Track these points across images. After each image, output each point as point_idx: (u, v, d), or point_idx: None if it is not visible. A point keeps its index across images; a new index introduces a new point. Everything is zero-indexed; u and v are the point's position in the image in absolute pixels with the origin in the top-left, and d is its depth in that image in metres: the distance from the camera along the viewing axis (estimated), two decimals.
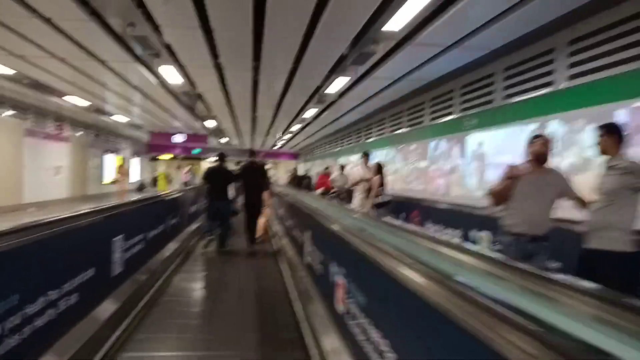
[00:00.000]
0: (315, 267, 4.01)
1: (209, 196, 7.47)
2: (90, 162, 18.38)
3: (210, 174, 7.55)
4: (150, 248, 5.28)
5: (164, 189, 22.36)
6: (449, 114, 8.57)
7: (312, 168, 24.70)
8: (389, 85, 9.11)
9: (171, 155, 37.16)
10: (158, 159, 38.52)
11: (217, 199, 7.28)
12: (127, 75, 9.17)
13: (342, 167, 12.11)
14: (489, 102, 7.22)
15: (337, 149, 19.00)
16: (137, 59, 7.81)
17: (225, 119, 15.35)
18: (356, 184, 8.13)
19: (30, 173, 13.27)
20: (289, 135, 20.48)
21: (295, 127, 17.20)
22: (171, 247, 6.66)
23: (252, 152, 8.18)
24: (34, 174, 13.50)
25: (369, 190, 7.72)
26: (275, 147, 28.32)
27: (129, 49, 7.32)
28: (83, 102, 12.69)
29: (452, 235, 6.39)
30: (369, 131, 14.02)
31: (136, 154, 25.22)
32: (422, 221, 7.65)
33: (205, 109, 13.28)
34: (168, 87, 10.18)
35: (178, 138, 18.21)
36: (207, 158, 37.96)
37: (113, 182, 13.68)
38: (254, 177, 7.44)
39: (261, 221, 7.16)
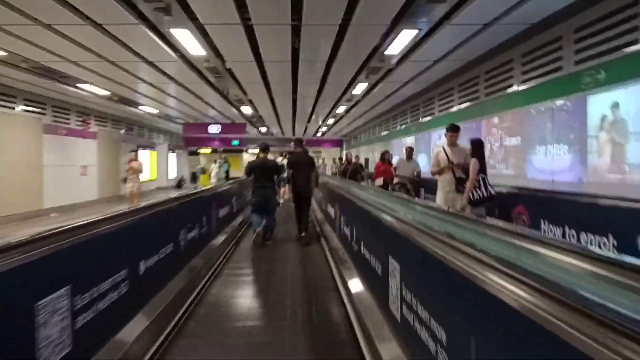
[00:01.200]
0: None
1: (253, 189, 7.20)
2: (122, 159, 17.15)
3: (253, 167, 7.15)
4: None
5: (205, 184, 21.62)
6: (556, 70, 6.29)
7: (358, 155, 22.66)
8: (472, 35, 6.90)
9: (210, 149, 36.29)
10: (199, 153, 37.87)
11: (261, 192, 7.03)
12: (138, 46, 7.44)
13: (410, 150, 9.59)
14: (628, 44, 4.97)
15: (386, 131, 16.85)
16: (144, 19, 6.05)
17: (262, 102, 13.54)
18: (439, 171, 5.90)
19: (52, 174, 12.00)
20: (332, 120, 18.46)
21: (341, 109, 15.15)
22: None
23: (299, 141, 7.93)
24: (56, 175, 12.24)
25: (460, 180, 5.60)
26: (318, 135, 26.41)
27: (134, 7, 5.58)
28: (102, 91, 11.22)
29: (599, 245, 4.21)
30: (430, 107, 11.78)
31: (173, 148, 24.00)
32: (531, 220, 5.45)
33: (239, 90, 11.52)
34: (190, 61, 8.42)
35: (213, 129, 16.65)
36: (248, 149, 36.86)
37: (123, 181, 12.21)
38: (303, 168, 7.40)
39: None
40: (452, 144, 5.85)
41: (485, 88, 8.43)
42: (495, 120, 8.13)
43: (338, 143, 30.23)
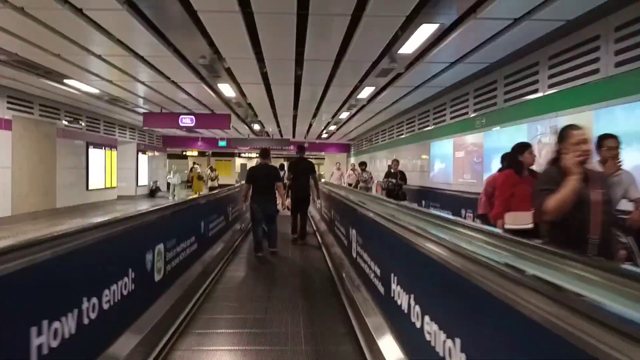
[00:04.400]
0: None
1: (253, 196, 6.76)
2: (63, 160, 12.65)
3: (254, 173, 6.86)
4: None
5: (200, 190, 18.88)
6: None
7: (372, 163, 18.22)
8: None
9: (196, 152, 31.83)
10: (186, 156, 33.36)
11: (263, 201, 6.67)
12: None
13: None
14: None
15: (404, 135, 12.58)
16: None
17: (252, 82, 9.15)
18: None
19: None
20: (345, 114, 14.05)
21: (365, 93, 10.75)
22: None
23: (301, 148, 8.15)
24: None
25: None
26: (324, 136, 21.98)
27: None
28: None
29: None
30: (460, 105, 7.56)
31: (144, 149, 19.49)
32: None
33: (218, 62, 7.21)
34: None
35: (186, 120, 12.19)
36: (241, 153, 32.38)
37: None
38: (303, 174, 7.62)
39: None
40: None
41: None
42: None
43: (345, 148, 25.82)
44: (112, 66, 7.94)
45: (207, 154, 31.70)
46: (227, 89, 9.72)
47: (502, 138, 7.56)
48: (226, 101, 11.52)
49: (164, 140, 22.28)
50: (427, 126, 11.62)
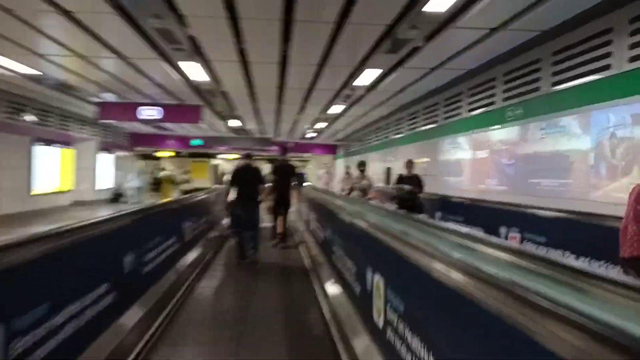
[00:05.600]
0: None
1: (235, 200, 6.47)
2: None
3: (238, 175, 6.57)
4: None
5: (167, 195, 18.31)
6: None
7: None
8: None
9: (171, 152, 29.62)
10: (157, 157, 30.98)
11: (246, 204, 6.38)
12: None
13: None
14: None
15: (404, 132, 10.78)
16: None
17: (225, 59, 7.22)
18: None
19: None
20: (336, 109, 12.20)
21: (366, 79, 8.86)
22: None
23: (284, 150, 8.58)
24: None
25: None
26: (310, 135, 20.08)
27: None
28: None
29: None
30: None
31: (107, 147, 17.27)
32: None
33: (177, 25, 5.23)
34: None
35: (147, 112, 10.16)
36: (217, 155, 30.19)
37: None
38: (285, 176, 7.65)
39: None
40: None
41: None
42: None
43: (331, 149, 23.96)
44: (33, 29, 5.90)
45: (181, 154, 29.48)
46: (194, 70, 7.73)
47: (550, 131, 5.80)
48: (196, 88, 9.54)
49: (131, 139, 20.04)
50: (435, 122, 9.85)
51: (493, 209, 5.90)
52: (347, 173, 13.42)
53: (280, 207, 7.68)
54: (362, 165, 9.97)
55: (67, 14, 5.28)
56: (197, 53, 6.74)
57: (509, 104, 6.89)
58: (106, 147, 17.03)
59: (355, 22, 5.31)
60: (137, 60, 7.36)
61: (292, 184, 7.77)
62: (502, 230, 5.43)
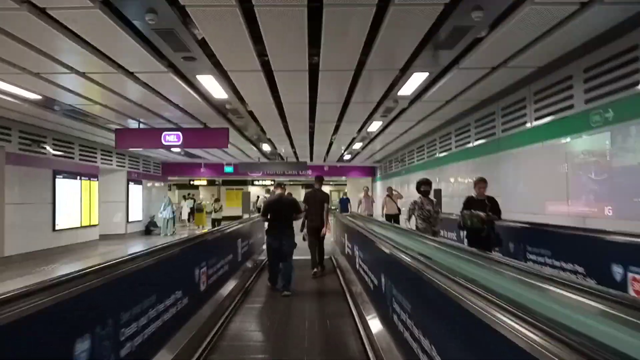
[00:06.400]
0: None
1: (269, 232, 6.52)
2: (15, 193, 9.88)
3: (271, 207, 6.55)
4: None
5: (202, 224, 19.66)
6: None
7: (404, 188, 15.03)
8: None
9: (205, 181, 29.22)
10: (195, 186, 30.60)
11: (280, 236, 6.33)
12: None
13: None
14: None
15: (452, 149, 9.33)
16: None
17: (246, 69, 6.21)
18: None
19: None
20: (376, 126, 11.01)
21: (410, 87, 7.65)
22: None
23: (319, 179, 7.83)
24: None
25: None
26: (346, 158, 18.94)
27: None
28: None
29: None
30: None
31: (137, 178, 16.70)
32: None
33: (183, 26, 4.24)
34: None
35: (171, 137, 9.35)
36: (254, 182, 29.47)
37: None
38: (318, 204, 7.40)
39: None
40: None
41: None
42: None
43: (370, 171, 22.70)
44: (24, 45, 5.08)
45: (216, 182, 28.96)
46: (211, 84, 6.77)
47: None
48: (218, 108, 8.61)
49: (162, 168, 19.51)
50: (491, 135, 8.47)
51: (593, 239, 4.45)
52: (389, 196, 12.12)
53: (314, 237, 7.50)
54: (425, 185, 6.83)
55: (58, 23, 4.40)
56: (211, 62, 5.74)
57: (594, 106, 5.49)
58: (135, 178, 16.47)
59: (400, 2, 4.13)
60: (140, 73, 6.45)
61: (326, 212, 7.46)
62: (616, 269, 3.97)
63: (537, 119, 6.91)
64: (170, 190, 34.24)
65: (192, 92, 7.14)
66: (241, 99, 7.87)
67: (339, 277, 7.26)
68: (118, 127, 9.96)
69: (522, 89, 7.22)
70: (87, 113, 9.05)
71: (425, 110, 8.84)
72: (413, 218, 6.90)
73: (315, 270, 7.47)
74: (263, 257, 9.07)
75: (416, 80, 6.51)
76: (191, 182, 30.31)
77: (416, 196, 6.95)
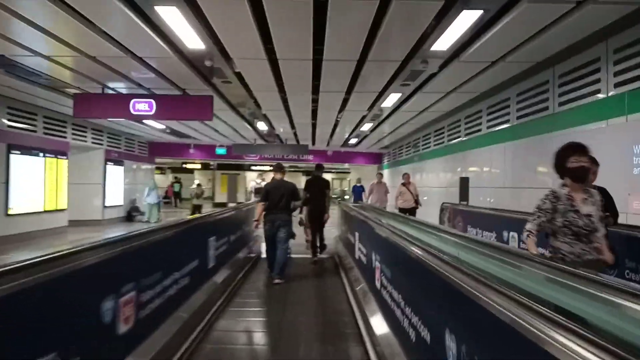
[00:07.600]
0: None
1: (266, 218, 6.30)
2: None
3: (270, 190, 6.33)
4: None
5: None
6: None
7: (417, 176, 13.25)
8: None
9: (199, 164, 27.42)
10: (189, 170, 28.81)
11: (278, 220, 6.20)
12: None
13: None
14: None
15: (482, 131, 7.51)
16: None
17: (243, 35, 4.41)
18: None
19: None
20: (391, 102, 9.22)
21: (443, 44, 5.86)
22: None
23: (319, 167, 8.05)
24: None
25: None
26: (352, 142, 17.14)
27: None
28: None
29: None
30: None
31: (118, 158, 14.90)
32: None
33: None
34: None
35: (141, 105, 7.56)
36: (252, 166, 27.62)
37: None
38: (318, 191, 7.50)
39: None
40: None
41: None
42: None
43: (376, 158, 20.91)
44: None
45: (211, 166, 27.18)
46: (179, 24, 4.94)
47: None
48: (197, 67, 6.82)
49: (150, 149, 17.73)
50: (541, 110, 6.68)
51: None
52: (404, 184, 10.37)
53: (314, 224, 7.56)
54: (577, 155, 2.91)
55: None
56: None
57: None
58: (117, 157, 14.71)
59: None
60: (91, 9, 4.66)
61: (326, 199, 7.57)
62: None
63: (617, 85, 5.13)
64: (164, 173, 32.54)
65: (157, 38, 5.34)
66: (224, 53, 6.06)
67: (346, 292, 5.52)
68: (78, 91, 8.16)
69: (595, 46, 5.42)
70: (35, 71, 7.25)
71: (461, 76, 7.02)
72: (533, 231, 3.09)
73: (315, 259, 7.51)
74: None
75: (463, 22, 4.67)
76: (184, 166, 28.51)
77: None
